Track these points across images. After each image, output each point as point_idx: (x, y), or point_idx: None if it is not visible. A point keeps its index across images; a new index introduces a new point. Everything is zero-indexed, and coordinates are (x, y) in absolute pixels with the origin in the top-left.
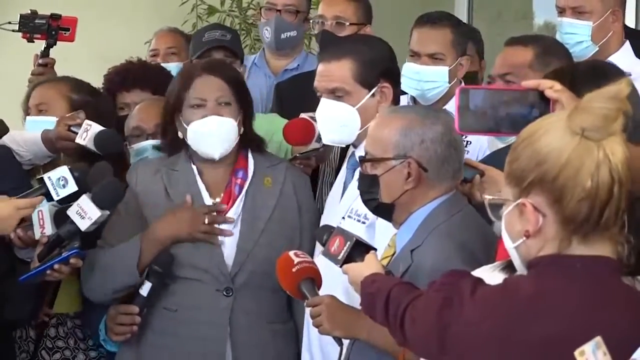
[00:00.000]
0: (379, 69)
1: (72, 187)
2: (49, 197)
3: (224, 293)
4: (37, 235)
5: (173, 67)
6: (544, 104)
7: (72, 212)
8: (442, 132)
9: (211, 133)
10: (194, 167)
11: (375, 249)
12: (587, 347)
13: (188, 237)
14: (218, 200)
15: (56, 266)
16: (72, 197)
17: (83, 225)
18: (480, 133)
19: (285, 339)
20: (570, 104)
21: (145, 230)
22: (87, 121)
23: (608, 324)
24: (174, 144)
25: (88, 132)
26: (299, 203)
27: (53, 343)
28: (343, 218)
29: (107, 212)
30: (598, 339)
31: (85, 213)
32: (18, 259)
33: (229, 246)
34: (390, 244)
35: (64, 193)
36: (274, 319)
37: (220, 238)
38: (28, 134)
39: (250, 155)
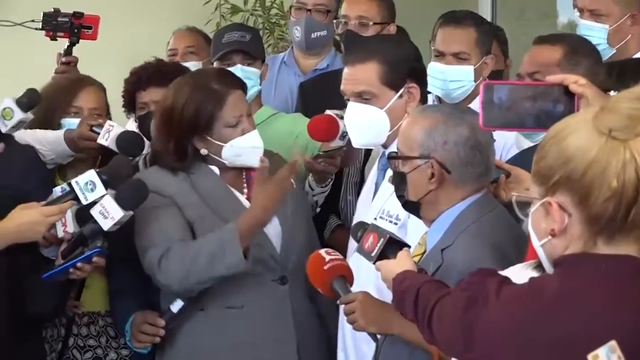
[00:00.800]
0: (405, 69)
1: (101, 191)
2: (78, 202)
3: (280, 282)
4: (60, 234)
5: (191, 66)
6: (569, 99)
7: (95, 211)
8: (466, 135)
9: (256, 146)
10: (213, 168)
11: (408, 246)
12: (601, 351)
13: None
14: (245, 196)
15: (79, 264)
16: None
17: (106, 225)
18: (504, 128)
19: (324, 323)
20: (596, 98)
21: (242, 215)
22: (109, 122)
23: (632, 324)
24: (190, 160)
25: (110, 133)
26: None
27: (84, 342)
28: (375, 219)
29: (131, 213)
30: (612, 343)
31: (108, 213)
32: (43, 257)
33: (273, 235)
34: (420, 242)
35: (92, 197)
36: (319, 304)
37: (265, 229)
38: (51, 134)
39: None
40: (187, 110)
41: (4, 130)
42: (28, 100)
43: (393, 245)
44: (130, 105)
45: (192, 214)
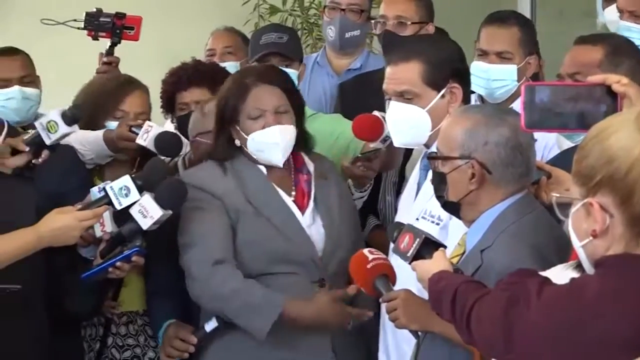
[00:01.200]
0: (448, 69)
1: (135, 196)
2: (112, 207)
3: (319, 284)
4: (98, 233)
5: (230, 66)
6: (611, 99)
7: (134, 211)
8: (507, 135)
9: (275, 143)
10: (261, 167)
11: (444, 246)
12: None
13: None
14: (292, 198)
15: (118, 264)
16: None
17: (145, 224)
18: (547, 130)
19: (361, 325)
20: (639, 98)
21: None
22: (148, 122)
23: None
24: (229, 150)
25: (149, 134)
26: (340, 190)
27: (123, 341)
28: (417, 219)
29: (170, 212)
30: None
31: (148, 212)
32: (80, 256)
33: (316, 238)
34: (460, 243)
35: (126, 202)
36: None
37: (307, 231)
38: (90, 134)
39: (303, 153)
40: (220, 100)
41: (47, 142)
42: (72, 115)
43: (429, 246)
44: (169, 105)
45: (235, 213)
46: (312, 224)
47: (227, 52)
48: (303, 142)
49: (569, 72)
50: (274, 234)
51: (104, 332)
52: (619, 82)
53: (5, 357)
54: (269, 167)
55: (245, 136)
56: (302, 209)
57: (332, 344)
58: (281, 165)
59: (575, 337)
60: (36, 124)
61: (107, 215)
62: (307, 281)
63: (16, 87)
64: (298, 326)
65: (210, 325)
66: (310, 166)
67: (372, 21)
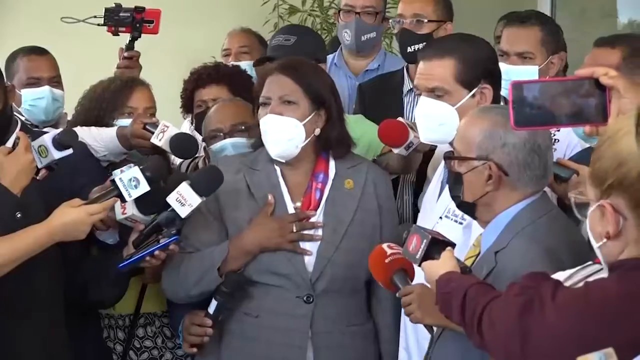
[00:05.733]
0: (481, 69)
1: (144, 188)
2: (122, 199)
3: (305, 300)
4: (119, 217)
5: (245, 66)
6: (600, 92)
7: (171, 199)
8: (525, 137)
9: (266, 131)
10: (277, 168)
11: (453, 245)
12: (594, 356)
13: (276, 246)
14: (299, 204)
15: (156, 252)
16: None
17: (183, 212)
18: (537, 127)
19: (364, 340)
20: (628, 90)
21: (235, 237)
22: (164, 122)
23: None
24: (259, 140)
25: (164, 134)
26: (379, 202)
27: (141, 343)
28: (440, 218)
29: (204, 199)
30: (609, 350)
31: (186, 200)
32: (94, 241)
33: (309, 252)
34: (475, 244)
35: (136, 194)
36: (353, 321)
37: (300, 244)
38: (105, 130)
39: (331, 157)
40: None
41: (39, 166)
42: (61, 142)
43: (437, 246)
44: (188, 104)
45: (230, 215)
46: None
47: (243, 52)
48: (327, 143)
49: None
50: None
51: (128, 337)
52: (606, 74)
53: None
54: (289, 168)
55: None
56: (308, 220)
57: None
58: (274, 157)
59: (591, 341)
60: (32, 144)
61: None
62: (292, 296)
63: (47, 87)
64: (251, 253)
65: (212, 307)
66: (332, 172)
67: (390, 20)
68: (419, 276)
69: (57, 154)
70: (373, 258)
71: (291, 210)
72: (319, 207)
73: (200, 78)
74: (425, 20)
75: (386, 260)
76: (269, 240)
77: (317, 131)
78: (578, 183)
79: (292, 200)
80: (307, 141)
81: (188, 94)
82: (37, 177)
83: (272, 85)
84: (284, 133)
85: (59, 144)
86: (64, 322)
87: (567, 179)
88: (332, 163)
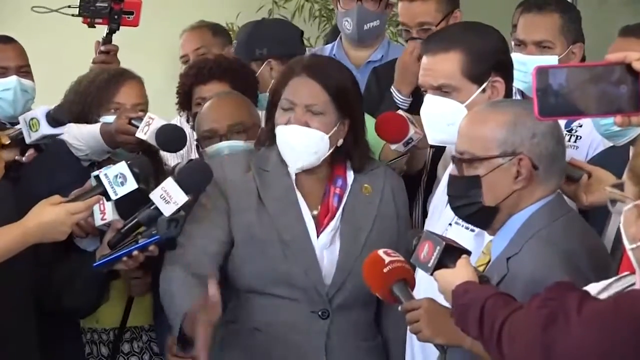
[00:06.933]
0: (490, 61)
1: (132, 185)
2: (106, 197)
3: (320, 314)
4: (98, 223)
5: None
6: (633, 79)
7: (155, 195)
8: (552, 125)
9: (291, 143)
10: (290, 171)
11: (469, 252)
12: None
13: None
14: (315, 213)
15: (134, 253)
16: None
17: (168, 210)
18: (564, 116)
19: (379, 355)
20: None
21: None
22: (149, 114)
23: None
24: (268, 135)
25: (150, 126)
26: (397, 209)
27: (126, 359)
28: (450, 224)
29: (191, 198)
30: None
31: (171, 197)
32: (73, 248)
33: (328, 263)
34: (484, 251)
35: (122, 192)
36: (366, 336)
37: (318, 254)
38: (86, 127)
39: (349, 164)
40: (274, 80)
41: (27, 141)
42: (55, 117)
43: (451, 253)
44: (185, 101)
45: (239, 219)
46: (329, 246)
47: (200, 54)
48: (348, 152)
49: None
50: (278, 252)
51: (113, 352)
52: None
53: None
54: (302, 172)
55: (277, 127)
56: (321, 228)
57: None
58: (294, 171)
59: (628, 356)
60: (20, 118)
61: (108, 203)
62: (307, 310)
63: (14, 77)
64: None
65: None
66: (350, 177)
67: (397, 29)
68: (425, 289)
69: (48, 130)
70: (368, 267)
71: (308, 217)
72: (336, 215)
73: (200, 73)
74: (433, 27)
75: (384, 270)
76: None
77: (340, 142)
78: (589, 185)
79: (309, 207)
80: (329, 152)
81: (186, 90)
82: (24, 158)
83: (298, 89)
84: (310, 147)
85: (52, 119)
86: (35, 334)
87: (578, 179)
88: (349, 167)
